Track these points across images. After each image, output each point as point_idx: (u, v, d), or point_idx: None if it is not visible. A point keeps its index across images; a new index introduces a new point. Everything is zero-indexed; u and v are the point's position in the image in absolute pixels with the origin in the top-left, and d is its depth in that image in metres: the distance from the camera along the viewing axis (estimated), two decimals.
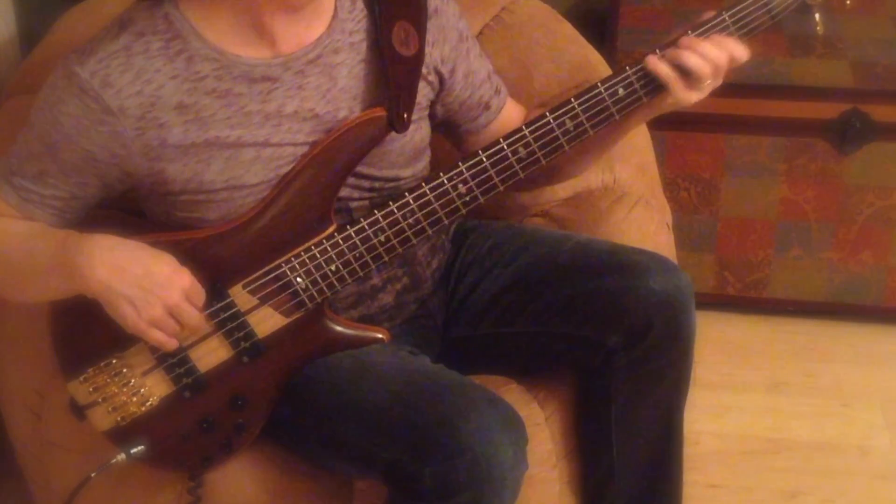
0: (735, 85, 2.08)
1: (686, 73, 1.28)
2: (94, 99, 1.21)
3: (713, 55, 1.27)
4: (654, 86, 1.30)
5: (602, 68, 1.77)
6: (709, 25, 1.29)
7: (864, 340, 2.18)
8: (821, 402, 2.05)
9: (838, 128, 2.03)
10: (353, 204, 1.35)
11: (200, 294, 1.26)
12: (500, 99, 1.47)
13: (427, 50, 1.34)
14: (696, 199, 2.14)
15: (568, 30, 1.82)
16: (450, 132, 1.46)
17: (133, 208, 1.40)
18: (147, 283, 1.21)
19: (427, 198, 1.30)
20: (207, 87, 1.24)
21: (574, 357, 1.45)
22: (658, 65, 1.28)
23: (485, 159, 1.30)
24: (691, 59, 1.27)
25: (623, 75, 1.29)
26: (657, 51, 1.29)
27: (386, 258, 1.32)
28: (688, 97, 1.30)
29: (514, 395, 1.45)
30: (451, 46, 1.38)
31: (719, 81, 1.31)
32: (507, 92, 1.49)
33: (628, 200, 1.67)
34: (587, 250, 1.45)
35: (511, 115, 1.48)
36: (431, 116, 1.42)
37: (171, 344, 1.26)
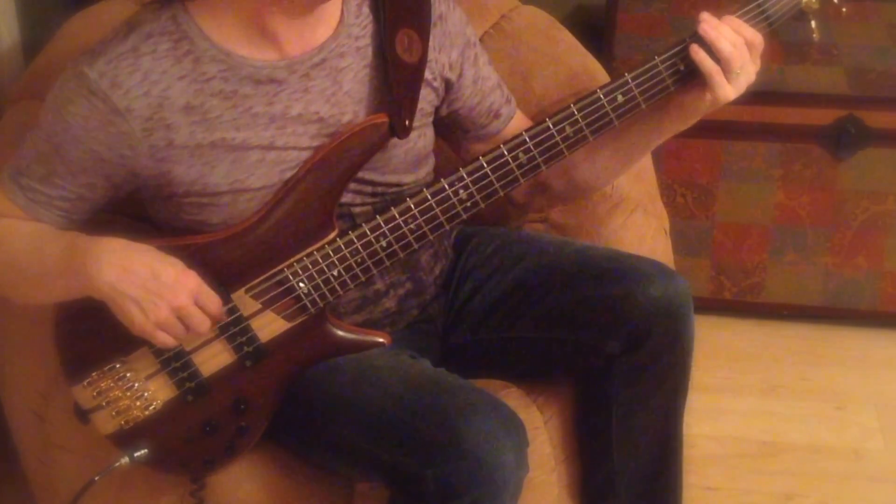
0: None
1: (719, 61, 1.27)
2: (103, 100, 1.22)
3: (749, 35, 1.27)
4: (653, 92, 1.30)
5: (600, 75, 1.78)
6: None
7: (859, 344, 2.19)
8: (816, 406, 2.06)
9: (833, 134, 2.04)
10: (356, 209, 1.35)
11: (210, 295, 1.26)
12: (511, 108, 1.48)
13: (433, 56, 1.35)
14: (692, 205, 2.15)
15: (566, 37, 1.82)
16: (458, 139, 1.46)
17: (137, 213, 1.41)
18: (154, 285, 1.22)
19: (428, 203, 1.31)
20: (214, 88, 1.25)
21: (574, 362, 1.45)
22: (699, 53, 1.27)
23: (485, 165, 1.31)
24: (722, 42, 1.26)
25: (621, 80, 1.30)
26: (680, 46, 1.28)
27: (388, 263, 1.32)
28: (726, 92, 1.28)
29: (514, 399, 1.46)
30: (458, 52, 1.39)
31: (752, 74, 1.29)
32: (516, 103, 1.50)
33: (626, 206, 1.68)
34: (586, 257, 1.46)
35: (520, 127, 1.48)
36: (438, 120, 1.43)
37: (174, 344, 1.26)
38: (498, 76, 1.48)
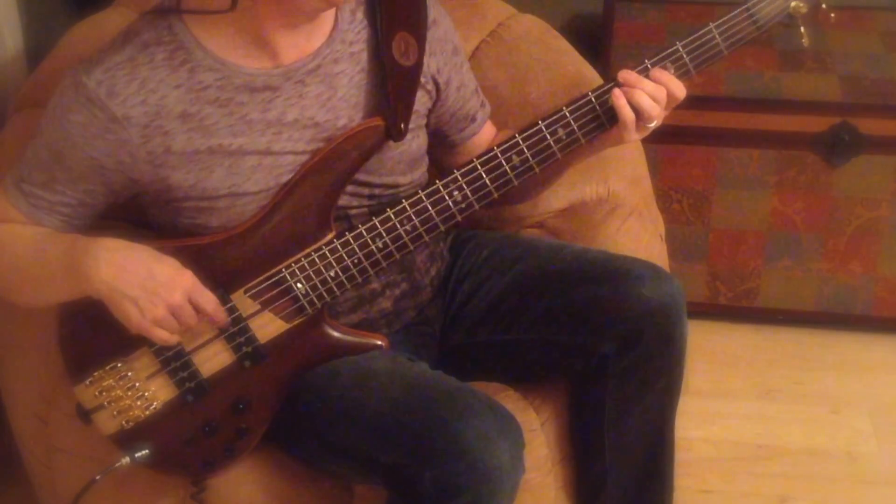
0: (727, 98, 2.13)
1: (638, 113, 1.30)
2: (101, 108, 1.24)
3: (662, 95, 1.30)
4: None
5: (597, 83, 1.78)
6: (697, 34, 1.32)
7: (853, 349, 2.20)
8: (810, 409, 2.07)
9: (827, 141, 2.05)
10: (352, 211, 1.37)
11: (205, 293, 1.27)
12: (485, 112, 1.51)
13: (425, 60, 1.37)
14: (688, 211, 2.16)
15: (563, 45, 1.83)
16: (434, 143, 1.48)
17: (137, 217, 1.42)
18: (150, 283, 1.23)
19: (423, 204, 1.32)
20: (210, 96, 1.27)
21: (568, 364, 1.46)
22: (620, 99, 1.30)
23: (479, 166, 1.32)
24: (646, 101, 1.29)
25: (609, 86, 1.32)
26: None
27: (384, 264, 1.34)
28: (631, 137, 1.32)
29: (510, 402, 1.46)
30: (447, 58, 1.41)
31: (660, 121, 1.33)
32: (489, 108, 1.53)
33: (622, 212, 1.69)
34: (582, 260, 1.47)
35: (489, 132, 1.52)
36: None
37: (173, 340, 1.28)
38: (475, 81, 1.50)
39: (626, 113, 1.30)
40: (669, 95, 1.31)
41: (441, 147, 1.50)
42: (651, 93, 1.30)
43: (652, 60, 1.32)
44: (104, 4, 1.84)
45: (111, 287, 1.23)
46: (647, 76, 1.31)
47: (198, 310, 1.27)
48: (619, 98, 1.30)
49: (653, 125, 1.32)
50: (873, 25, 2.26)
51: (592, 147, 1.37)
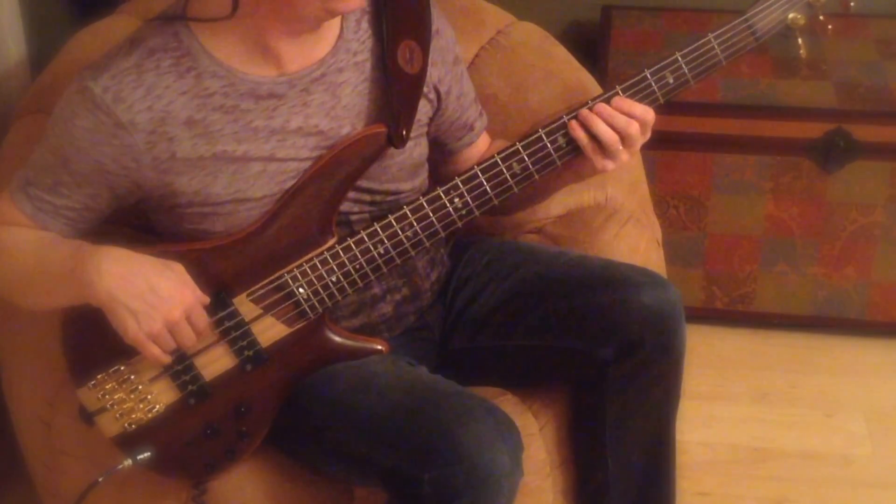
0: (723, 105, 2.15)
1: (598, 142, 1.32)
2: (107, 113, 1.25)
3: (621, 124, 1.31)
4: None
5: (594, 89, 1.80)
6: (696, 45, 1.33)
7: (848, 352, 2.21)
8: (806, 413, 2.08)
9: (822, 147, 2.06)
10: (354, 217, 1.38)
11: (201, 314, 1.28)
12: (482, 122, 1.52)
13: (428, 69, 1.38)
14: (684, 216, 2.17)
15: (561, 52, 1.85)
16: (432, 151, 1.48)
17: (141, 222, 1.43)
18: (151, 297, 1.24)
19: (424, 211, 1.33)
20: (215, 103, 1.28)
21: (568, 369, 1.47)
22: (577, 131, 1.32)
23: (480, 174, 1.33)
24: (601, 127, 1.31)
25: (609, 94, 1.33)
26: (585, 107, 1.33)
27: (385, 270, 1.35)
28: (603, 165, 1.34)
29: (509, 406, 1.47)
30: (448, 68, 1.43)
31: (637, 146, 1.34)
32: (486, 118, 1.54)
33: (620, 218, 1.70)
34: (580, 266, 1.48)
35: (485, 142, 1.53)
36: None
37: (164, 359, 1.28)
38: (474, 91, 1.51)
39: (585, 142, 1.32)
40: (640, 121, 1.32)
41: (438, 155, 1.50)
42: (607, 119, 1.31)
43: (651, 69, 1.33)
44: (107, 12, 1.85)
45: (112, 296, 1.23)
46: (646, 83, 1.33)
47: (192, 327, 1.27)
48: (575, 130, 1.32)
49: (622, 153, 1.33)
50: (868, 32, 2.27)
51: (574, 174, 1.40)
